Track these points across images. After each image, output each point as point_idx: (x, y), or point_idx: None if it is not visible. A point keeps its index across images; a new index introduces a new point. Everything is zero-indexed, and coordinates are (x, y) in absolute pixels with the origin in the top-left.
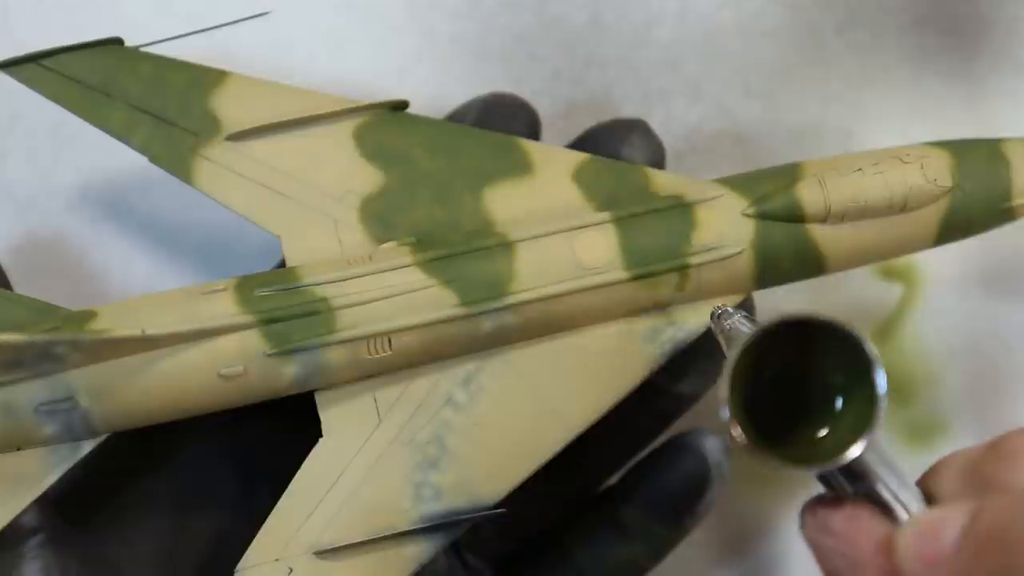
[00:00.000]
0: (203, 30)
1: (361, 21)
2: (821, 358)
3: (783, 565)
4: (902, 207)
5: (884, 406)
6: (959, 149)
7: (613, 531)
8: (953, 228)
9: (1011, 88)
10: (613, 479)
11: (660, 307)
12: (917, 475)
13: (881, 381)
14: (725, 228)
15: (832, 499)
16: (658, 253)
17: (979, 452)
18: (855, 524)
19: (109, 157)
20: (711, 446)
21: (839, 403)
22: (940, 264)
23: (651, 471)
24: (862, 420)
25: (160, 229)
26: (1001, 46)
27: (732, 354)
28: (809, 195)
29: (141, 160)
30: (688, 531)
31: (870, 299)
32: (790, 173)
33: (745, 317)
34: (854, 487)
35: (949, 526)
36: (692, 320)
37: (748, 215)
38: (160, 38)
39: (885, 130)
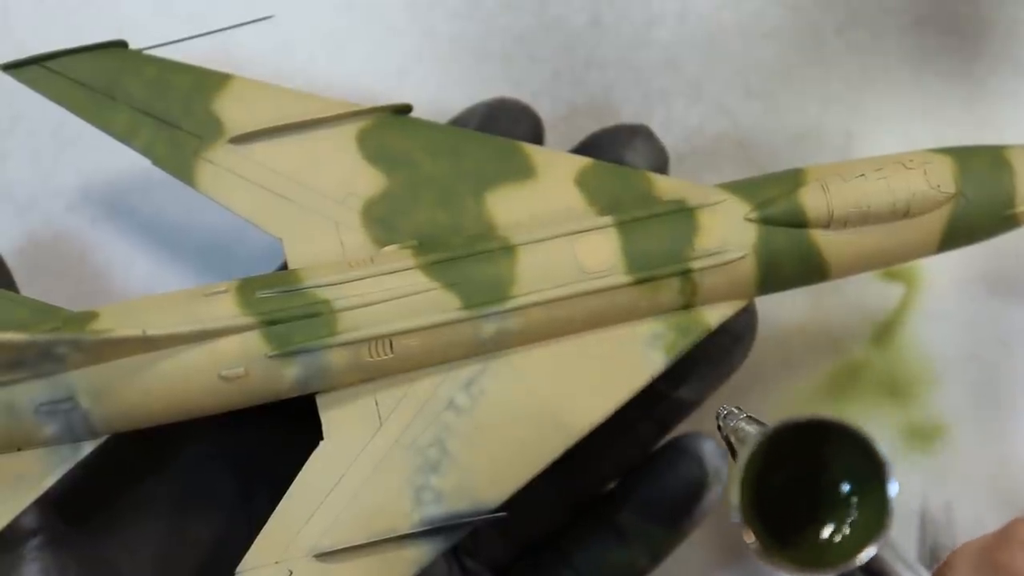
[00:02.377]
0: (207, 33)
1: (361, 22)
2: (831, 459)
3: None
4: (905, 213)
5: (895, 508)
6: (962, 155)
7: (611, 535)
8: (956, 234)
9: (1011, 89)
10: (611, 483)
11: (662, 312)
12: (918, 477)
13: (892, 484)
14: (728, 233)
15: None
16: (660, 257)
17: (989, 540)
18: None
19: (110, 158)
20: (709, 450)
21: (852, 503)
22: (941, 265)
23: (649, 475)
24: (875, 520)
25: (161, 230)
26: (1001, 47)
27: (741, 459)
28: (812, 200)
29: (142, 161)
30: (686, 535)
31: (871, 300)
32: (793, 178)
33: (750, 417)
34: None
35: None
36: (694, 325)
37: (751, 220)
38: (161, 40)
39: (885, 130)
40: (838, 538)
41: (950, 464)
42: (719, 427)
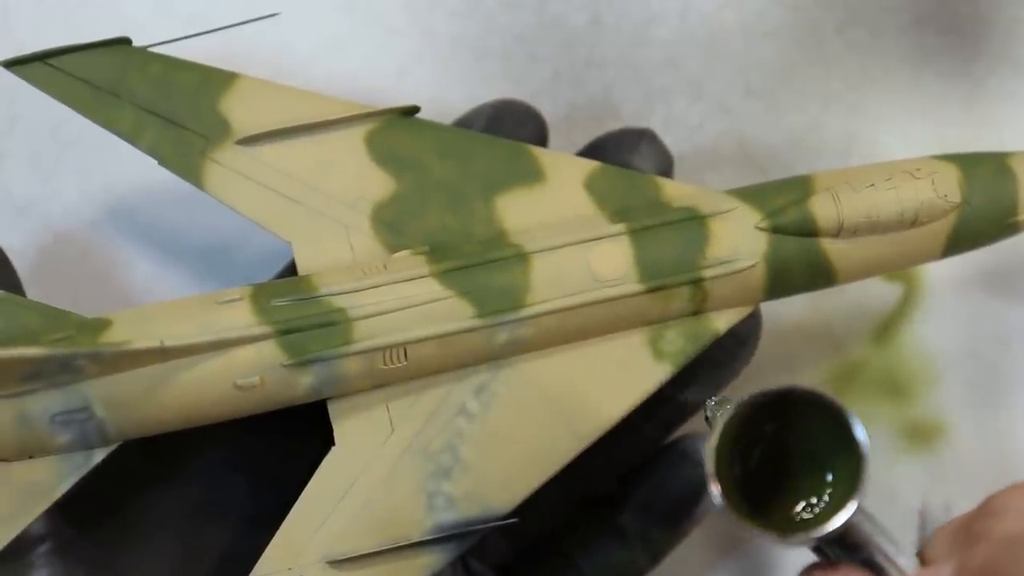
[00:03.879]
0: (212, 31)
1: (361, 21)
2: (810, 429)
3: (782, 565)
4: (912, 222)
5: (868, 472)
6: (967, 163)
7: (612, 536)
8: (960, 241)
9: (1010, 89)
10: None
11: (672, 319)
12: (918, 476)
13: (864, 447)
14: (739, 241)
15: (825, 565)
16: (672, 266)
17: (969, 515)
18: None
19: (109, 159)
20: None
21: (829, 476)
22: (940, 265)
23: (650, 476)
24: (851, 487)
25: (161, 231)
26: (1001, 47)
27: (715, 431)
28: (823, 210)
29: (142, 162)
30: (686, 535)
31: (870, 299)
32: (802, 186)
33: (731, 402)
34: (850, 557)
35: None
36: (703, 331)
37: (761, 228)
38: (161, 39)
39: (885, 130)
40: (816, 509)
41: (950, 463)
42: (706, 418)
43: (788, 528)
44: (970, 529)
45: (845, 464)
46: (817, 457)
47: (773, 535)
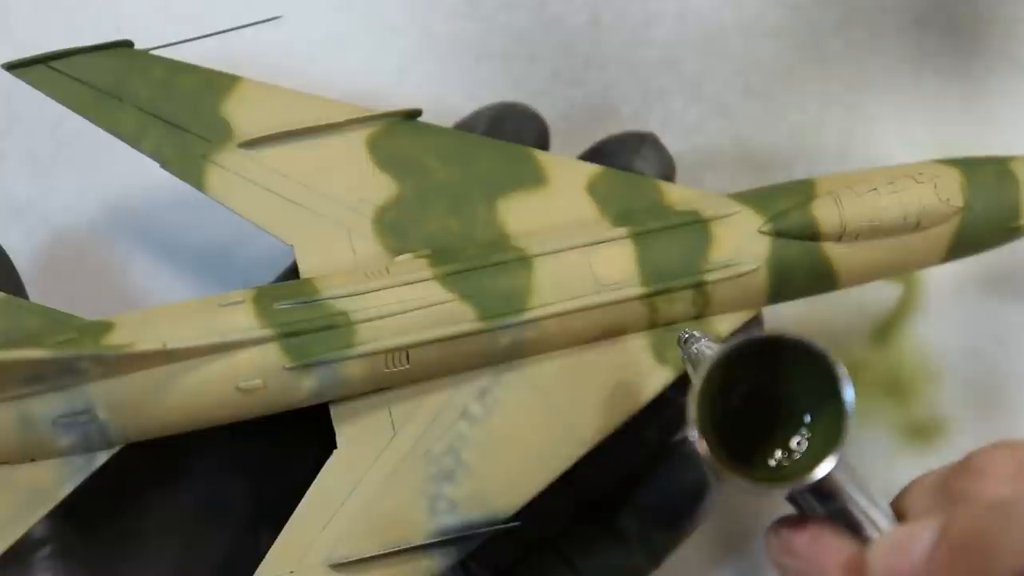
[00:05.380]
0: (214, 34)
1: (361, 22)
2: (792, 378)
3: None
4: (915, 226)
5: (852, 423)
6: (969, 168)
7: (612, 538)
8: (962, 245)
9: (1010, 88)
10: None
11: (675, 323)
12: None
13: (849, 397)
14: (741, 245)
15: (796, 519)
16: (675, 270)
17: (948, 470)
18: (819, 544)
19: (108, 159)
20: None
21: (810, 424)
22: (940, 265)
23: (650, 479)
24: (832, 438)
25: (160, 232)
26: (1000, 46)
27: (699, 375)
28: (825, 214)
29: (141, 162)
30: (686, 537)
31: (870, 299)
32: (804, 190)
33: (711, 341)
34: (825, 507)
35: (919, 539)
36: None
37: (764, 232)
38: (161, 40)
39: (884, 129)
40: (792, 457)
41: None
42: (680, 351)
43: (768, 477)
44: (949, 486)
45: (826, 413)
46: (796, 405)
47: (752, 483)
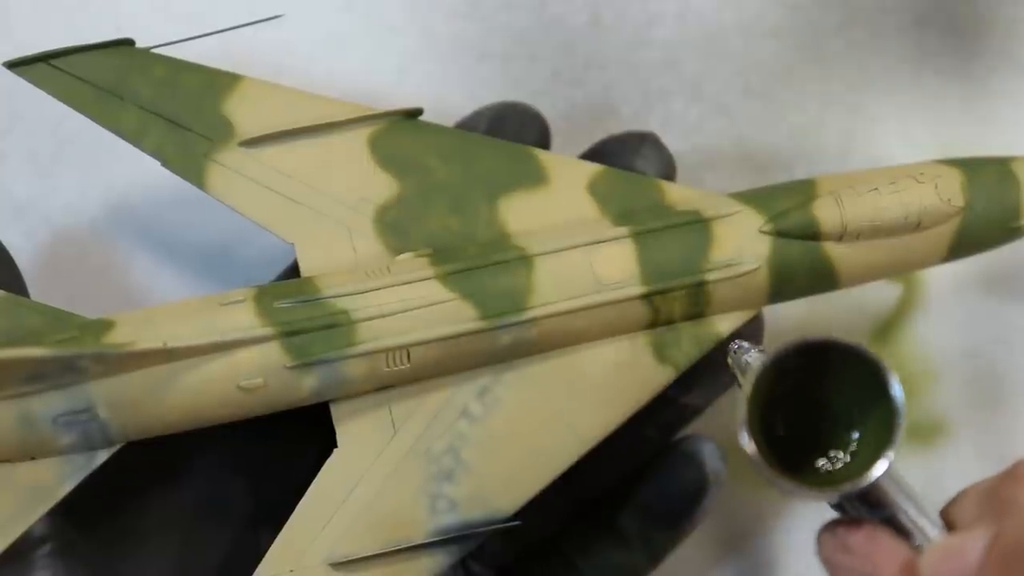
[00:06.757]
0: (215, 32)
1: (361, 21)
2: (840, 384)
3: (781, 565)
4: (916, 226)
5: (903, 425)
6: (970, 168)
7: (612, 537)
8: (963, 245)
9: (1010, 88)
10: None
11: (675, 322)
12: (918, 476)
13: (900, 400)
14: (742, 245)
15: (851, 520)
16: (676, 269)
17: (996, 479)
18: (876, 544)
19: (109, 158)
20: (709, 452)
21: (856, 433)
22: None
23: (650, 478)
24: (881, 443)
25: (161, 230)
26: (1000, 46)
27: (748, 380)
28: (826, 213)
29: (142, 161)
30: (686, 537)
31: (870, 299)
32: (806, 190)
33: (760, 351)
34: (872, 515)
35: (971, 547)
36: (706, 335)
37: (765, 232)
38: (161, 39)
39: (884, 129)
40: (838, 463)
41: (950, 462)
42: (729, 363)
43: (818, 481)
44: (999, 495)
45: (875, 420)
46: (842, 411)
47: (804, 488)
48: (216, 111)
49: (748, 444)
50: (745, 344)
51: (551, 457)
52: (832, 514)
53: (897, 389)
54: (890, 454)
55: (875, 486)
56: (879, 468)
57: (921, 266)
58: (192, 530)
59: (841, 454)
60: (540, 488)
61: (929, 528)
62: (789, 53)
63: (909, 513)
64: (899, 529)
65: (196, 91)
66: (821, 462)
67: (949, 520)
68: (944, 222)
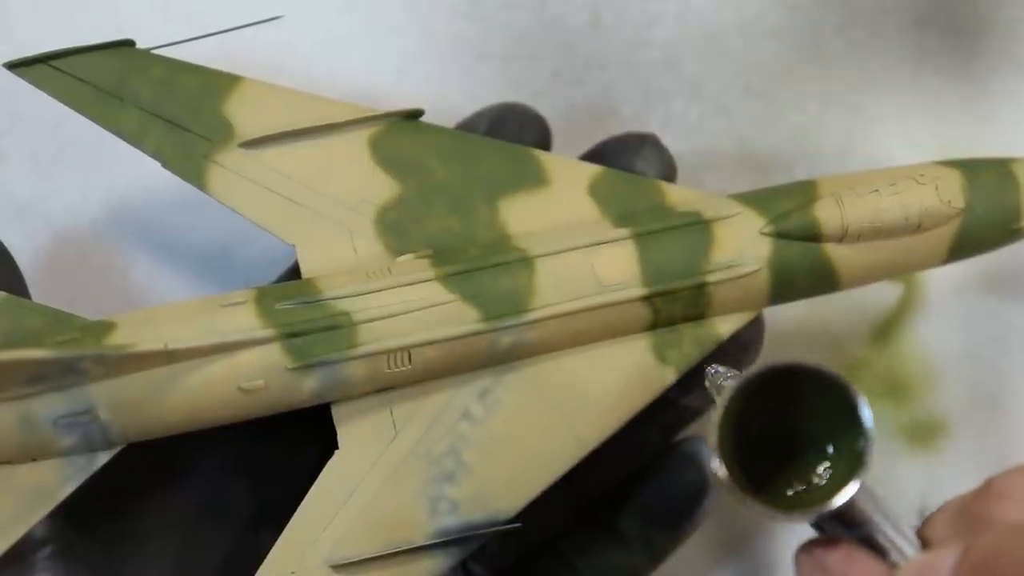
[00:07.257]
0: (215, 33)
1: (361, 21)
2: (814, 407)
3: (782, 565)
4: (917, 228)
5: (873, 448)
6: (971, 169)
7: (612, 539)
8: (963, 247)
9: (1011, 88)
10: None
11: (676, 324)
12: (918, 476)
13: (868, 424)
14: (743, 246)
15: (828, 539)
16: (677, 271)
17: (969, 496)
18: (853, 563)
19: (109, 159)
20: (709, 454)
21: (830, 455)
22: None
23: (650, 479)
24: (853, 465)
25: (161, 231)
26: (1000, 47)
27: (720, 404)
28: (827, 215)
29: (143, 162)
30: (686, 538)
31: (870, 300)
32: (806, 191)
33: (734, 376)
34: (850, 534)
35: (942, 564)
36: (706, 336)
37: (765, 233)
38: (161, 40)
39: (884, 130)
40: (814, 485)
41: (950, 462)
42: (707, 386)
43: (790, 504)
44: (972, 511)
45: (847, 441)
46: (816, 433)
47: (776, 511)
48: (216, 112)
49: (719, 468)
50: (720, 368)
51: (552, 459)
52: (812, 531)
53: (866, 412)
54: (861, 476)
55: (851, 506)
56: (848, 492)
57: (921, 267)
58: (193, 532)
59: (817, 477)
60: (541, 490)
61: (906, 546)
62: (789, 53)
63: (886, 532)
64: (876, 548)
65: (196, 92)
66: (799, 487)
67: (925, 538)
68: (944, 224)
